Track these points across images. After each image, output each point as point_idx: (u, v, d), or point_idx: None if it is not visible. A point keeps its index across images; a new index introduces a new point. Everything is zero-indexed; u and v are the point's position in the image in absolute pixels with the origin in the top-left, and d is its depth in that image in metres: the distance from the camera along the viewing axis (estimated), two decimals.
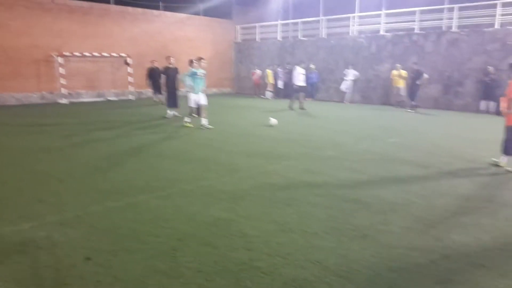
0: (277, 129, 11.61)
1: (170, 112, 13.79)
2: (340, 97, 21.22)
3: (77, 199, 5.33)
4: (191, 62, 13.62)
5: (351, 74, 20.16)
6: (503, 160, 7.34)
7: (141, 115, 14.55)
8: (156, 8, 23.54)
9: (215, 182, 6.22)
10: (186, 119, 11.95)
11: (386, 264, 3.69)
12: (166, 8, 24.04)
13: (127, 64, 21.04)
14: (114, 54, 20.84)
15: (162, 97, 15.56)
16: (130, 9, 21.97)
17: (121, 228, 4.41)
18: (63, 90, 18.99)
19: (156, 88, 16.68)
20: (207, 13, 26.00)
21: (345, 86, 20.51)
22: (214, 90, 26.42)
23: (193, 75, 11.50)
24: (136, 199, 5.37)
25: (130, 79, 21.14)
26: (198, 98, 11.67)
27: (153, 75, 16.57)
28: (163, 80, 13.80)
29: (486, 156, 8.04)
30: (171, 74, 13.51)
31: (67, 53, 19.05)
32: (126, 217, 4.73)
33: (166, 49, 22.38)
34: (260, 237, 4.23)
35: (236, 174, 6.73)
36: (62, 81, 18.87)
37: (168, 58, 13.87)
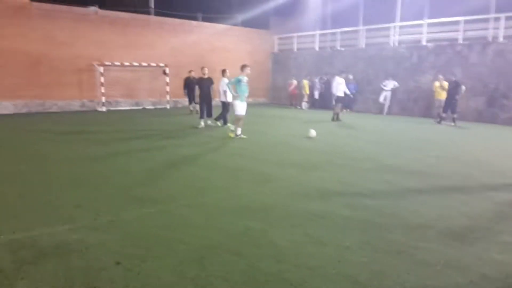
0: (313, 139, 11.52)
1: (202, 123, 13.84)
2: (378, 108, 20.87)
3: (111, 205, 5.47)
4: (223, 71, 13.82)
5: (390, 85, 19.80)
6: None
7: (175, 123, 14.84)
8: (195, 19, 24.10)
9: (248, 192, 6.23)
10: (232, 127, 11.84)
11: (422, 282, 3.56)
12: (205, 19, 24.56)
13: (165, 74, 21.57)
14: (153, 64, 21.42)
15: (198, 106, 15.76)
16: (169, 20, 22.58)
17: (152, 235, 4.48)
18: (103, 98, 19.67)
19: (192, 98, 17.16)
20: (245, 23, 26.36)
21: (383, 97, 20.17)
22: (250, 100, 26.51)
23: (238, 82, 11.31)
24: (168, 206, 5.46)
25: (167, 88, 21.64)
26: (243, 106, 11.41)
27: (189, 84, 17.04)
28: (197, 91, 14.06)
29: None
30: (204, 84, 13.68)
31: (107, 63, 19.75)
32: (157, 224, 4.81)
33: (204, 59, 22.81)
34: (291, 248, 4.18)
35: (269, 184, 6.72)
36: (102, 89, 19.55)
37: (202, 68, 14.07)
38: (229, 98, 13.58)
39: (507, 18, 16.89)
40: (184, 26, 23.21)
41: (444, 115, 16.01)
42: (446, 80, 16.26)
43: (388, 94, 20.00)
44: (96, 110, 19.55)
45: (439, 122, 16.15)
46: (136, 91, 21.45)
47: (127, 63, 20.42)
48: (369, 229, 4.76)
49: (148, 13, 22.46)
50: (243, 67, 11.49)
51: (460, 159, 9.11)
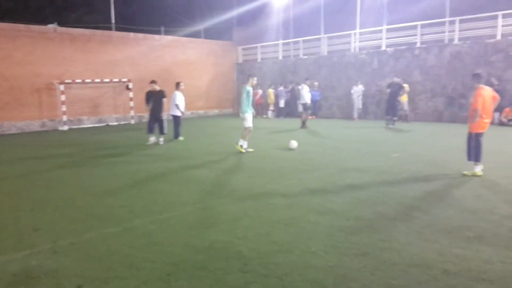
0: (281, 148, 11.58)
1: (151, 139, 12.99)
2: (342, 114, 21.24)
3: (73, 226, 5.31)
4: (177, 84, 13.69)
5: (359, 91, 20.04)
6: (476, 168, 7.62)
7: (138, 139, 14.55)
8: (158, 32, 23.97)
9: (213, 204, 6.18)
10: (241, 142, 11.06)
11: (387, 281, 3.61)
12: (167, 32, 24.48)
13: (129, 89, 21.28)
14: (116, 80, 21.10)
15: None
16: (131, 34, 22.36)
17: (116, 254, 4.37)
18: (64, 117, 19.18)
19: None
20: (208, 35, 26.45)
21: (356, 103, 20.33)
22: (216, 111, 26.61)
23: (248, 93, 10.70)
24: (133, 224, 5.34)
25: (131, 103, 21.34)
26: (251, 117, 10.93)
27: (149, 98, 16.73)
28: (149, 105, 13.00)
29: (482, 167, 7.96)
30: (155, 98, 12.78)
31: (68, 80, 19.31)
32: (121, 243, 4.69)
33: (167, 72, 22.70)
34: (258, 258, 4.17)
35: (235, 194, 6.69)
36: (63, 108, 19.08)
37: (151, 82, 13.08)
38: (178, 112, 13.58)
39: (461, 21, 17.60)
40: (147, 40, 23.03)
41: (395, 118, 16.06)
42: (393, 82, 16.25)
43: (357, 99, 20.17)
44: (57, 130, 19.03)
45: (387, 125, 16.04)
46: (100, 108, 21.05)
47: (88, 80, 20.03)
48: (336, 234, 4.80)
49: (109, 29, 22.17)
50: (248, 76, 11.13)
51: (422, 158, 9.35)
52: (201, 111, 25.56)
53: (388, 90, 16.04)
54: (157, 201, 6.39)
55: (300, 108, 17.48)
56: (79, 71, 19.94)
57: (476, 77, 7.68)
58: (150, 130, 12.98)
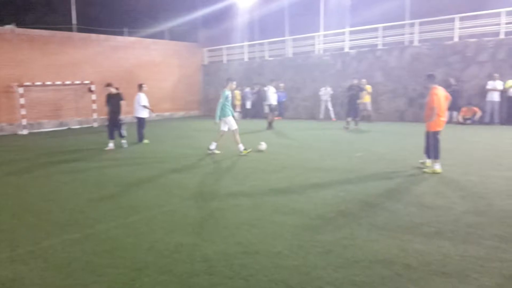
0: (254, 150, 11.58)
1: (111, 144, 12.38)
2: (308, 115, 21.50)
3: (31, 234, 5.12)
4: (140, 86, 13.50)
5: (327, 93, 20.22)
6: (435, 166, 7.90)
7: (100, 143, 14.19)
8: (121, 33, 23.51)
9: (179, 207, 6.11)
10: (242, 147, 10.72)
11: (350, 278, 3.67)
12: (131, 33, 24.06)
13: (91, 91, 20.77)
14: (77, 82, 20.56)
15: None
16: (93, 35, 21.84)
17: (77, 262, 4.24)
18: (23, 121, 18.52)
19: None
20: (173, 37, 26.17)
21: (323, 106, 20.47)
22: (182, 113, 26.37)
23: (226, 98, 10.55)
24: (94, 229, 5.21)
25: (94, 106, 20.84)
26: (232, 120, 10.76)
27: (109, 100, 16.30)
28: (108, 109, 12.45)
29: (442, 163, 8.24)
30: (112, 101, 12.28)
31: (28, 83, 18.66)
32: (83, 250, 4.56)
33: (131, 74, 22.33)
34: (223, 260, 4.15)
35: (201, 197, 6.64)
36: (23, 111, 18.41)
37: (107, 85, 12.55)
38: (144, 114, 13.38)
39: (421, 24, 18.18)
40: (109, 41, 22.55)
41: (349, 119, 15.75)
42: (353, 84, 16.01)
43: (326, 101, 20.32)
44: (16, 134, 18.34)
45: (346, 127, 15.77)
46: (61, 111, 20.42)
47: (49, 82, 19.41)
48: (300, 233, 4.84)
49: (70, 29, 21.56)
50: (228, 80, 10.93)
51: (384, 157, 9.58)
52: (166, 113, 25.25)
53: (348, 93, 15.98)
54: (121, 206, 6.26)
55: (267, 109, 17.56)
56: (38, 73, 19.29)
57: (430, 77, 8.02)
58: (111, 135, 12.48)
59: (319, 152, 10.76)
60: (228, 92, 10.61)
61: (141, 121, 13.55)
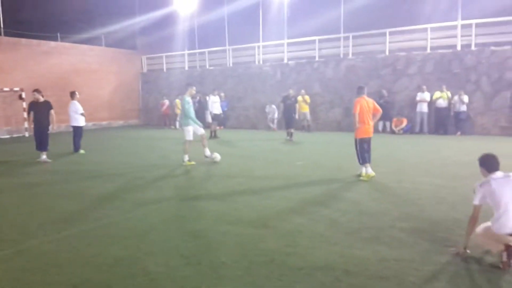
0: (191, 159, 11.43)
1: (43, 156, 11.41)
2: (250, 124, 21.68)
3: None
4: (72, 94, 12.95)
5: (272, 111, 20.41)
6: (362, 170, 8.37)
7: (32, 153, 13.44)
8: (54, 39, 22.43)
9: (118, 219, 5.89)
10: (186, 158, 10.44)
11: (292, 286, 3.71)
12: (64, 39, 23.02)
13: (21, 98, 19.58)
14: (6, 89, 19.30)
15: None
16: (23, 40, 20.67)
17: (4, 281, 3.94)
18: None
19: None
20: (110, 43, 25.36)
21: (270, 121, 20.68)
22: (120, 122, 25.59)
23: (188, 104, 10.33)
24: (25, 245, 4.88)
25: (25, 114, 19.62)
26: (196, 128, 10.57)
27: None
28: (30, 117, 11.38)
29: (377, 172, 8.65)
30: (39, 110, 11.24)
31: None
32: (12, 267, 4.26)
33: (65, 81, 21.36)
34: (165, 273, 4.04)
35: (142, 208, 6.45)
36: None
37: (34, 91, 11.40)
38: (81, 123, 12.87)
39: (354, 37, 19.03)
40: (42, 46, 21.45)
41: (292, 130, 15.44)
42: (289, 95, 15.65)
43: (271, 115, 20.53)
44: None
45: (289, 138, 15.42)
46: None
47: None
48: (244, 242, 4.83)
49: None
50: (187, 85, 10.69)
51: (324, 164, 9.86)
52: (104, 122, 24.37)
53: (282, 104, 15.75)
54: (54, 219, 5.92)
55: (209, 119, 17.47)
56: None
57: (358, 89, 8.70)
58: (42, 146, 11.42)
59: (262, 161, 10.86)
60: (188, 98, 10.38)
61: (77, 130, 12.96)
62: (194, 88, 10.95)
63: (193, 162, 10.44)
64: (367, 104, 8.40)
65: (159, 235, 5.16)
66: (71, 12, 23.47)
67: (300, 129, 18.83)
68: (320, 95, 19.58)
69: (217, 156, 10.71)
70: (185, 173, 9.35)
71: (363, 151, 8.39)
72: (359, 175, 8.40)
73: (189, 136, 10.42)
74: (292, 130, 15.47)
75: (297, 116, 16.12)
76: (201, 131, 10.68)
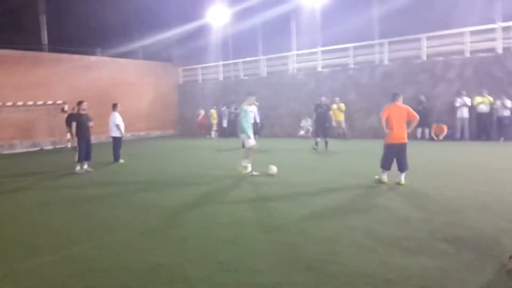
0: (224, 168, 11.53)
1: (82, 168, 11.60)
2: (285, 133, 21.65)
3: (3, 257, 4.91)
4: (114, 106, 13.30)
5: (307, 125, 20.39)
6: (382, 175, 8.49)
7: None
8: (94, 53, 23.31)
9: (157, 226, 5.99)
10: (244, 163, 10.10)
11: None
12: (104, 53, 23.88)
13: (64, 111, 20.37)
14: (50, 102, 20.16)
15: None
16: (65, 56, 21.59)
17: (52, 284, 4.08)
18: None
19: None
20: (147, 56, 26.10)
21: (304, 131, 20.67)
22: (158, 132, 26.16)
23: (246, 112, 10.06)
24: (70, 251, 5.04)
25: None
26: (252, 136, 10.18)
27: (70, 121, 15.89)
28: (74, 128, 11.44)
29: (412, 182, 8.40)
30: (83, 121, 11.48)
31: None
32: (58, 272, 4.40)
33: (106, 94, 22.04)
34: (204, 280, 4.06)
35: (179, 216, 6.54)
36: None
37: (79, 103, 11.75)
38: (118, 133, 13.16)
39: (390, 43, 18.72)
40: (82, 61, 22.31)
41: (318, 139, 14.79)
42: (321, 102, 15.06)
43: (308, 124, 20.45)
44: None
45: (315, 147, 14.81)
46: (33, 132, 19.99)
47: (20, 103, 18.97)
48: (281, 250, 4.81)
49: (41, 49, 21.25)
50: (247, 94, 10.43)
51: (361, 172, 9.69)
52: (142, 133, 25.00)
53: (315, 112, 15.11)
54: (98, 226, 6.10)
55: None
56: (9, 94, 18.84)
57: (392, 96, 8.68)
58: (83, 158, 11.58)
59: (299, 169, 10.79)
60: (246, 107, 10.08)
61: (116, 141, 13.35)
62: (254, 97, 10.56)
63: (256, 173, 9.98)
64: (398, 111, 8.36)
65: (197, 242, 5.20)
66: (110, 27, 24.32)
67: (336, 136, 18.64)
68: (356, 102, 19.33)
69: (273, 169, 9.94)
70: (218, 183, 9.41)
71: (387, 156, 8.47)
72: (378, 180, 8.53)
73: (252, 141, 10.07)
74: (327, 139, 14.82)
75: (334, 123, 15.62)
76: (250, 142, 10.14)
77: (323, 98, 15.41)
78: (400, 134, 8.33)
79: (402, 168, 8.34)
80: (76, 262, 4.67)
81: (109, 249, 5.06)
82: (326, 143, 14.84)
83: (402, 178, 8.28)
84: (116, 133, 13.20)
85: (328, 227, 5.59)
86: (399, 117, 8.32)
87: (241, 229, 5.69)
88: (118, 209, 7.20)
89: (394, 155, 8.39)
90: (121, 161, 13.27)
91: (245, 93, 10.90)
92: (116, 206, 7.40)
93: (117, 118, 13.14)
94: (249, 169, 10.07)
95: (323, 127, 14.88)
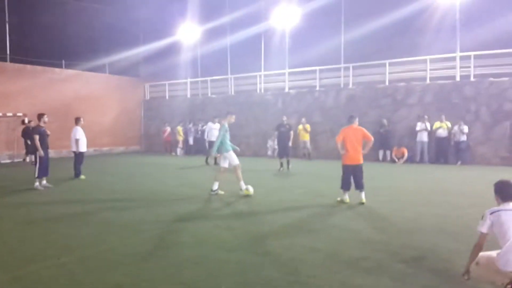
0: (189, 186, 11.44)
1: (42, 183, 11.20)
2: (251, 152, 21.74)
3: None
4: (77, 120, 13.00)
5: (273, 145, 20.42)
6: (344, 196, 8.75)
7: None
8: (59, 65, 22.80)
9: (117, 245, 5.85)
10: (244, 185, 9.86)
11: None
12: (69, 66, 23.40)
13: (24, 124, 19.72)
14: (10, 114, 19.48)
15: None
16: (28, 67, 21.05)
17: None
18: None
19: (30, 149, 15.63)
20: (114, 71, 25.78)
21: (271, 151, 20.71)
22: (122, 148, 25.67)
23: (226, 131, 10.02)
24: (24, 270, 4.83)
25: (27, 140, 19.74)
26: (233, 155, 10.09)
27: (26, 134, 15.61)
28: (37, 142, 10.96)
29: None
30: (43, 134, 11.16)
31: None
32: None
33: (69, 108, 21.57)
34: None
35: (140, 235, 6.41)
36: None
37: (40, 116, 11.45)
38: (82, 148, 12.92)
39: (355, 67, 19.34)
40: (46, 73, 21.80)
41: (282, 160, 14.81)
42: (282, 123, 15.21)
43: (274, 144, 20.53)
44: None
45: (280, 169, 14.76)
46: None
47: None
48: (245, 269, 4.79)
49: (4, 60, 20.61)
50: (227, 113, 10.42)
51: (324, 191, 9.84)
52: (105, 148, 24.48)
53: (276, 132, 15.19)
54: (54, 245, 5.88)
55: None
56: None
57: (348, 118, 9.09)
58: (42, 173, 11.21)
59: (264, 187, 10.82)
60: (227, 126, 10.05)
61: (78, 156, 13.02)
62: (234, 116, 10.45)
63: (222, 192, 9.92)
64: (353, 133, 8.69)
65: (159, 262, 5.10)
66: (76, 40, 23.96)
67: (301, 157, 18.88)
68: (321, 123, 19.73)
69: (250, 189, 9.80)
70: (184, 201, 9.32)
71: (345, 177, 8.75)
72: (340, 201, 8.72)
73: (235, 161, 10.01)
74: (288, 159, 14.72)
75: (290, 143, 14.98)
76: (225, 165, 10.09)
77: (284, 118, 15.58)
78: (355, 155, 8.65)
79: (358, 186, 8.69)
80: (30, 282, 4.49)
81: (65, 269, 4.89)
82: (288, 162, 14.74)
83: (362, 196, 8.59)
84: (75, 148, 12.91)
85: (291, 247, 5.62)
86: (354, 139, 8.66)
87: (205, 248, 5.63)
88: (76, 227, 6.97)
89: (351, 175, 8.70)
90: (82, 177, 12.94)
91: (225, 111, 10.81)
92: (74, 224, 7.17)
93: (78, 132, 12.86)
94: (215, 187, 9.94)
95: (284, 147, 14.87)
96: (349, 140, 8.64)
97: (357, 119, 8.94)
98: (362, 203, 8.45)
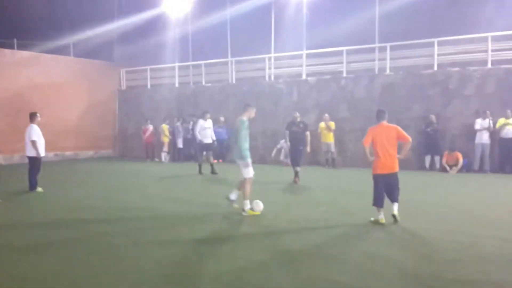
0: (179, 201, 11.42)
1: None
2: (256, 156, 21.63)
3: None
4: (33, 116, 13.01)
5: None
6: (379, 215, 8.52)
7: None
8: (9, 46, 22.90)
9: (78, 278, 5.81)
10: (247, 206, 9.61)
11: None
12: (22, 46, 23.48)
13: None
14: None
15: None
16: None
17: None
18: None
19: None
20: (81, 53, 25.83)
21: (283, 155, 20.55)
22: (90, 152, 25.74)
23: (247, 129, 9.83)
24: None
25: None
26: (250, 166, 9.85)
27: None
28: None
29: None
30: None
31: None
32: None
33: (22, 100, 21.66)
34: None
35: (112, 266, 6.37)
36: None
37: None
38: (41, 152, 12.90)
39: (393, 48, 19.09)
40: None
41: (298, 168, 14.41)
42: (294, 121, 14.73)
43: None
44: None
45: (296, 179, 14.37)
46: None
47: None
48: None
49: None
50: (246, 105, 10.18)
51: (350, 210, 9.76)
52: (69, 153, 24.55)
53: (288, 132, 14.76)
54: None
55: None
56: None
57: (376, 114, 9.05)
58: None
59: (282, 204, 10.76)
60: (247, 121, 9.83)
61: (33, 162, 12.98)
62: (255, 109, 10.19)
63: (257, 212, 9.58)
64: (385, 133, 8.63)
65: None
66: (32, 15, 24.07)
67: (323, 164, 18.76)
68: (349, 120, 19.60)
69: (260, 206, 9.67)
70: (175, 217, 9.29)
71: (377, 190, 8.58)
72: (374, 221, 8.54)
73: (250, 173, 9.78)
74: (298, 169, 14.36)
75: (307, 148, 14.76)
76: (250, 172, 9.85)
77: (297, 114, 15.07)
78: (388, 162, 8.58)
79: (391, 198, 8.58)
80: None
81: None
82: (297, 173, 14.37)
83: (395, 208, 8.49)
84: (32, 152, 12.85)
85: (310, 282, 5.54)
86: (385, 141, 8.58)
87: (205, 268, 5.58)
88: (28, 254, 6.95)
89: (384, 188, 8.58)
90: (39, 189, 12.91)
91: (243, 104, 10.53)
92: (26, 251, 7.14)
93: (34, 132, 12.81)
94: (233, 197, 9.94)
95: (296, 153, 14.57)
96: (380, 142, 8.56)
97: (387, 115, 8.87)
98: (394, 216, 8.37)
